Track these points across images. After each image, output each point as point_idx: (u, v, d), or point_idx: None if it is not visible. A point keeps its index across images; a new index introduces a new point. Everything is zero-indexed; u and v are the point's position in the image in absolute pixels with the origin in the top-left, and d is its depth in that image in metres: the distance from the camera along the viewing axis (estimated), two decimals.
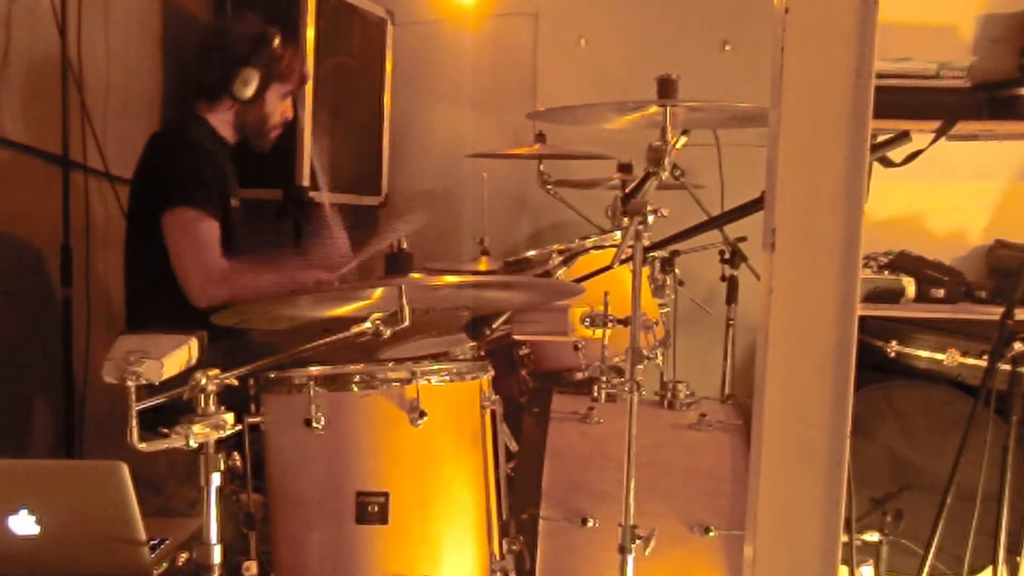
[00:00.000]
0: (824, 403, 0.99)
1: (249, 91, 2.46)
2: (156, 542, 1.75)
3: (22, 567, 1.53)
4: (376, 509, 1.69)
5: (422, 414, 1.70)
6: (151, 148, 2.42)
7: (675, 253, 2.65)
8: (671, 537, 1.87)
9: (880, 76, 1.06)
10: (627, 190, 1.82)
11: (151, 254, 2.33)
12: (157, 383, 1.39)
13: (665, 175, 1.77)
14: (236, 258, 2.39)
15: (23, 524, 1.50)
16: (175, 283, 2.29)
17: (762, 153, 1.00)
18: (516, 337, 2.29)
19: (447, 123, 3.64)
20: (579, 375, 2.35)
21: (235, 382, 1.52)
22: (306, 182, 3.08)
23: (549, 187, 3.00)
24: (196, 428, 1.45)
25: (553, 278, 2.07)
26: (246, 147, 2.59)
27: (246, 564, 1.71)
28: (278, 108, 2.57)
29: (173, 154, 2.38)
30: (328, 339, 1.62)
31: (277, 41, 2.51)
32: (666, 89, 1.85)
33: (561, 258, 2.14)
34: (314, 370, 1.79)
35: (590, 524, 1.91)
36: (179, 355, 1.44)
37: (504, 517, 1.88)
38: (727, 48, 3.48)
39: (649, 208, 1.69)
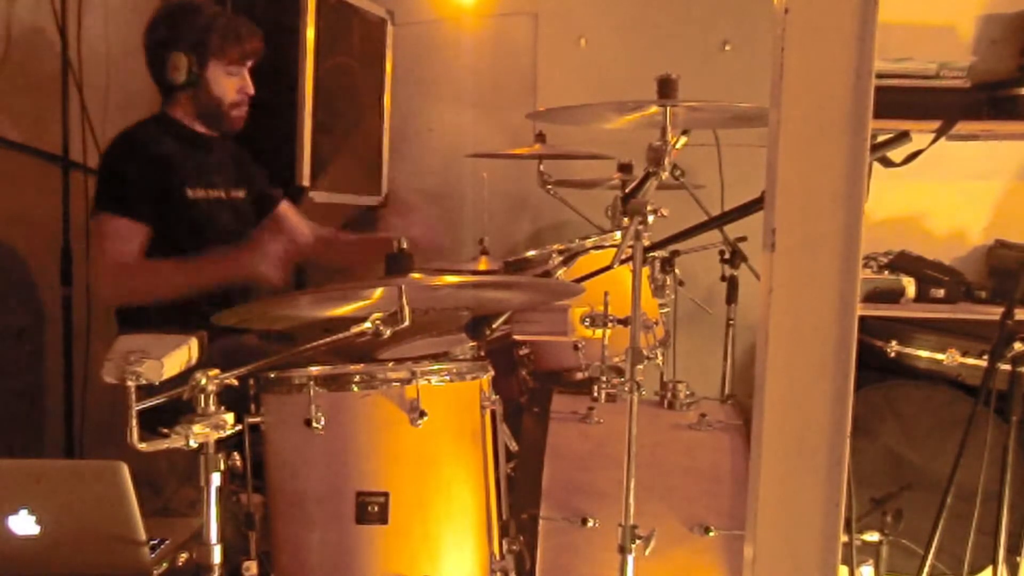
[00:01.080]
0: (824, 403, 0.99)
1: (181, 76, 2.36)
2: (156, 542, 1.75)
3: (22, 567, 1.53)
4: (376, 509, 1.69)
5: (422, 414, 1.70)
6: (101, 154, 2.42)
7: (675, 253, 2.65)
8: (671, 537, 1.87)
9: (880, 76, 1.06)
10: (627, 190, 1.82)
11: None
12: (157, 383, 1.39)
13: (665, 175, 1.77)
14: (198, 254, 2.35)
15: (23, 524, 1.50)
16: None
17: (762, 153, 1.00)
18: (516, 337, 2.29)
19: (447, 123, 3.63)
20: (579, 375, 2.35)
21: (235, 382, 1.52)
22: (306, 182, 3.08)
23: (549, 187, 3.00)
24: (196, 428, 1.45)
25: (553, 278, 2.07)
26: (245, 145, 2.58)
27: (246, 564, 1.71)
28: (228, 86, 2.44)
29: (107, 161, 2.37)
30: (328, 339, 1.62)
31: (205, 16, 2.40)
32: (666, 89, 1.85)
33: (561, 258, 2.14)
34: (314, 370, 1.79)
35: (590, 524, 1.91)
36: (179, 355, 1.44)
37: (504, 517, 1.88)
38: (727, 48, 3.48)
39: (649, 208, 1.69)
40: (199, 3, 2.46)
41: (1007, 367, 1.96)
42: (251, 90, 2.48)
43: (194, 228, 2.38)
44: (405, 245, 1.66)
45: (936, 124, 1.96)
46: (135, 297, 2.26)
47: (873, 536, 2.32)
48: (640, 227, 1.69)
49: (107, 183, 2.33)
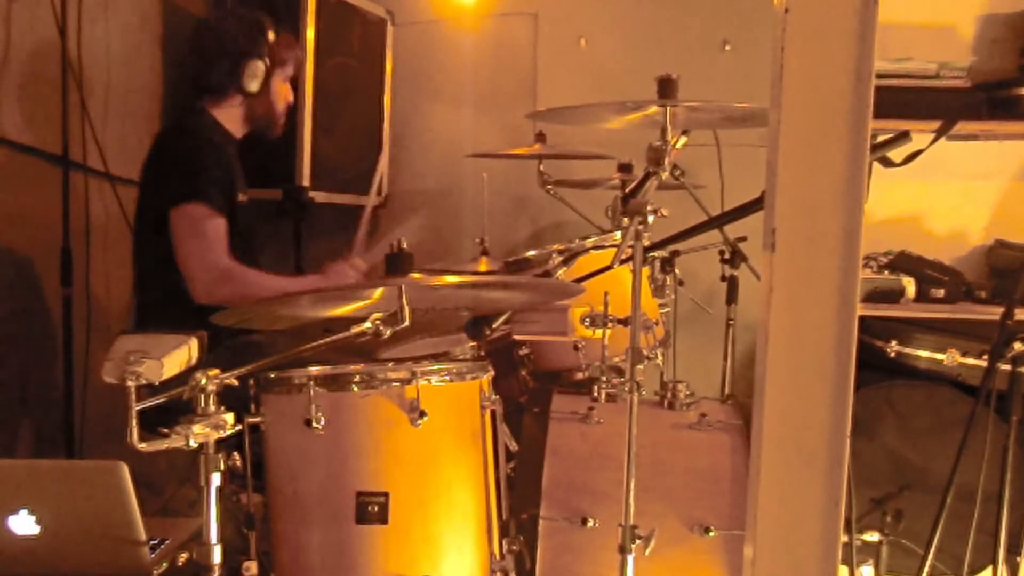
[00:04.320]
0: (824, 403, 0.99)
1: (256, 84, 2.47)
2: (156, 542, 1.75)
3: (22, 567, 1.53)
4: (376, 509, 1.69)
5: (422, 414, 1.70)
6: (157, 145, 2.42)
7: (675, 253, 2.65)
8: (671, 537, 1.87)
9: (880, 76, 1.06)
10: (627, 190, 1.82)
11: (161, 253, 2.32)
12: (157, 383, 1.39)
13: (665, 175, 1.77)
14: (242, 258, 2.39)
15: (23, 524, 1.50)
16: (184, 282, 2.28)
17: (762, 153, 1.00)
18: (516, 337, 2.29)
19: (447, 123, 3.63)
20: (579, 375, 2.35)
21: (235, 382, 1.52)
22: (306, 182, 3.08)
23: (549, 187, 3.00)
24: (196, 428, 1.45)
25: (553, 278, 2.07)
26: (246, 146, 2.59)
27: (246, 564, 1.71)
28: (283, 94, 2.58)
29: (180, 149, 2.38)
30: (328, 339, 1.62)
31: (271, 29, 2.51)
32: (666, 89, 1.85)
33: (561, 258, 2.14)
34: (314, 370, 1.79)
35: (590, 524, 1.91)
36: (179, 355, 1.44)
37: (504, 517, 1.88)
38: (727, 48, 3.48)
39: (649, 208, 1.69)
40: (257, 12, 2.55)
41: (1007, 367, 1.96)
42: (291, 98, 2.63)
43: (237, 233, 2.41)
44: (404, 245, 1.66)
45: (936, 124, 1.96)
46: (236, 301, 2.23)
47: (873, 536, 2.32)
48: (640, 227, 1.69)
49: (191, 174, 2.31)
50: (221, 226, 2.32)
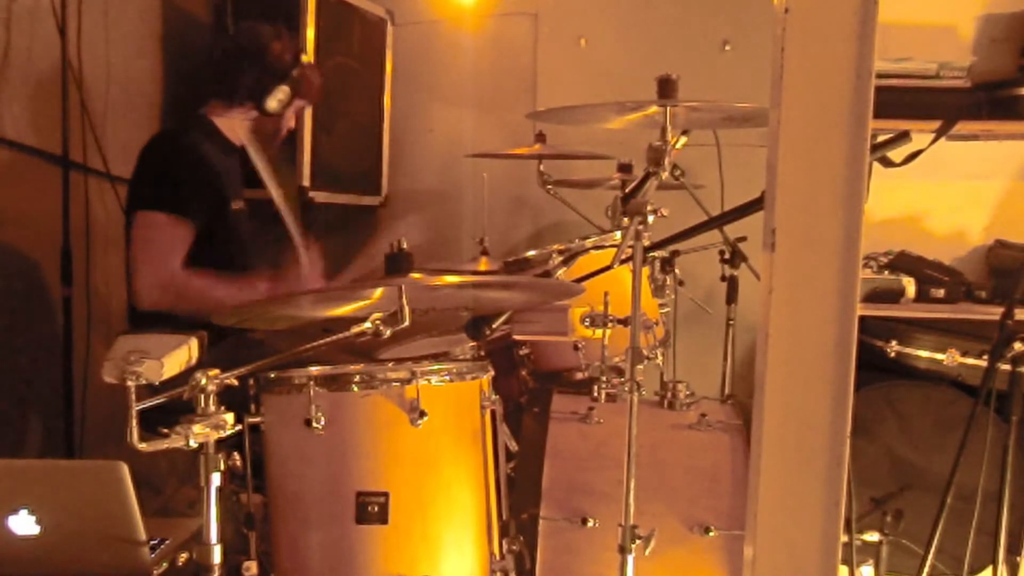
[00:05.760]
0: (824, 403, 0.99)
1: (277, 106, 2.49)
2: (156, 542, 1.75)
3: (22, 567, 1.53)
4: (376, 509, 1.69)
5: (422, 414, 1.70)
6: (144, 150, 2.42)
7: (675, 253, 2.65)
8: (671, 537, 1.87)
9: (880, 76, 1.06)
10: (627, 190, 1.82)
11: None
12: (157, 383, 1.39)
13: (665, 175, 1.77)
14: (233, 264, 2.38)
15: (23, 524, 1.50)
16: None
17: (762, 153, 1.00)
18: (516, 337, 2.29)
19: (447, 123, 3.64)
20: (579, 375, 2.35)
21: (235, 382, 1.52)
22: (306, 182, 3.08)
23: (549, 187, 3.00)
24: (196, 428, 1.45)
25: (553, 278, 2.07)
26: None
27: (246, 564, 1.71)
28: (292, 118, 2.61)
29: (158, 158, 2.37)
30: (328, 339, 1.62)
31: (307, 60, 2.55)
32: (666, 89, 1.85)
33: (561, 258, 2.14)
34: (314, 370, 1.79)
35: (590, 524, 1.91)
36: (179, 355, 1.44)
37: (504, 517, 1.88)
38: (727, 48, 3.48)
39: (649, 208, 1.69)
40: (289, 36, 2.57)
41: (1007, 367, 1.96)
42: (294, 124, 2.66)
43: (231, 239, 2.41)
44: (404, 245, 1.66)
45: (936, 124, 1.95)
46: (178, 308, 2.24)
47: (873, 536, 2.32)
48: (640, 227, 1.69)
49: (159, 181, 2.32)
50: (179, 234, 2.29)
